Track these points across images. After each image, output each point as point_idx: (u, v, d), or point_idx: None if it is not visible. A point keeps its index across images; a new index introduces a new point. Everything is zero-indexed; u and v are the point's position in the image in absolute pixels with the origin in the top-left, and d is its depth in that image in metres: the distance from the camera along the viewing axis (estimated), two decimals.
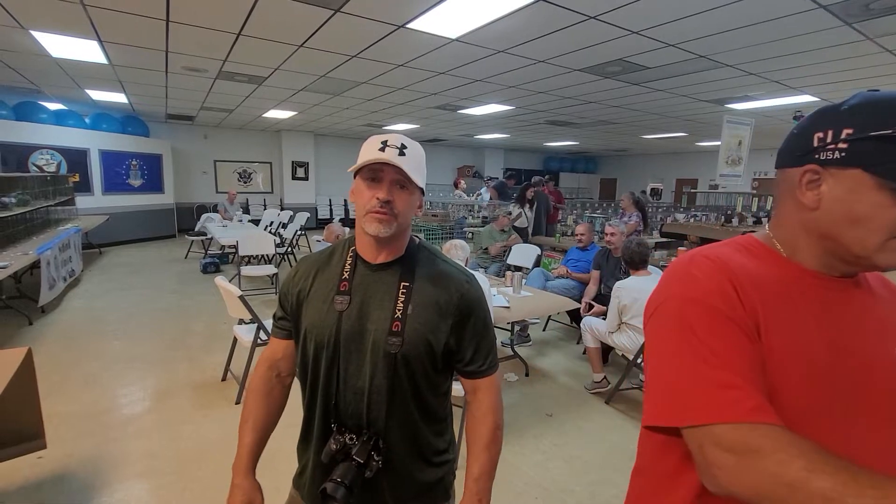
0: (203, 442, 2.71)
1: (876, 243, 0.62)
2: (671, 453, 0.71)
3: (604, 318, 3.45)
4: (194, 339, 4.37)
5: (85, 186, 8.47)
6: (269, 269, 6.06)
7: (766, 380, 0.61)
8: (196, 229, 8.61)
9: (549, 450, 2.72)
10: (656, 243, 6.70)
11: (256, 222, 8.86)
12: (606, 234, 4.22)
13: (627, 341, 3.19)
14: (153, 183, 9.97)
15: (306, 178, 12.64)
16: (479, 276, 2.95)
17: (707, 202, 10.18)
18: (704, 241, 5.77)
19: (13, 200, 5.23)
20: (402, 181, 0.96)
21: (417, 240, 1.08)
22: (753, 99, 6.16)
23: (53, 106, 8.11)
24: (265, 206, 11.62)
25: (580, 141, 12.28)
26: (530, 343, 4.42)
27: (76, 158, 8.28)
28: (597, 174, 17.85)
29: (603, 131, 10.03)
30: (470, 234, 7.44)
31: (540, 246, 5.45)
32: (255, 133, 12.19)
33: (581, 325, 3.66)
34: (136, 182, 9.57)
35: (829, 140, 0.63)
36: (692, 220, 7.69)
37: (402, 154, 0.94)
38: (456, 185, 9.97)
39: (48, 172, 7.54)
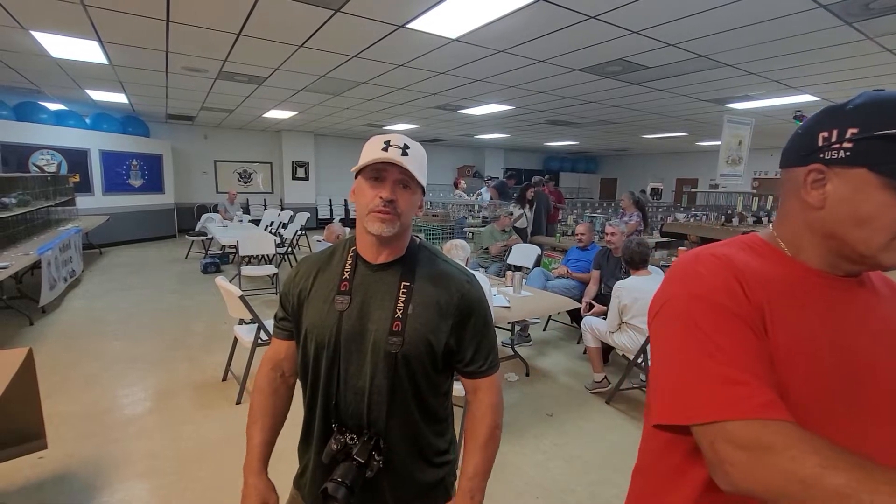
0: (204, 442, 2.71)
1: (881, 242, 0.62)
2: (675, 451, 0.71)
3: (604, 318, 3.45)
4: (195, 340, 4.37)
5: (85, 187, 8.47)
6: (270, 270, 6.06)
7: (772, 377, 0.61)
8: (196, 229, 8.62)
9: (550, 449, 2.72)
10: (656, 243, 6.70)
11: (257, 222, 8.86)
12: (607, 234, 4.22)
13: (628, 341, 3.19)
14: (153, 183, 9.97)
15: (306, 179, 12.64)
16: (480, 276, 2.95)
17: (707, 202, 10.17)
18: (705, 240, 5.76)
19: (14, 201, 5.24)
20: (405, 181, 0.96)
21: (418, 240, 1.09)
22: (754, 98, 6.16)
23: (54, 106, 8.11)
24: (265, 206, 11.61)
25: (580, 141, 12.28)
26: (531, 343, 4.42)
27: (76, 159, 8.28)
28: (597, 174, 17.85)
29: (603, 131, 10.03)
30: (470, 234, 7.45)
31: (540, 246, 5.45)
32: (256, 133, 12.19)
33: (581, 324, 3.66)
34: (137, 182, 9.57)
35: (834, 139, 0.63)
36: (692, 219, 7.69)
37: (404, 154, 0.94)
38: (456, 185, 9.98)
39: (48, 173, 7.54)
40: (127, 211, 9.32)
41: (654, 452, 0.77)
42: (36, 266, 5.47)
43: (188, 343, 4.27)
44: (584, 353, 3.93)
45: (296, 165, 12.41)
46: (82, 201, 8.18)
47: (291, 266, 7.09)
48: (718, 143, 6.39)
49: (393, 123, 9.76)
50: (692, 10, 3.25)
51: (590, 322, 3.52)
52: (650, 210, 8.09)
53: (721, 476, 0.58)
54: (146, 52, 4.75)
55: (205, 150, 11.65)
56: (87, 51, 4.73)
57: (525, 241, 5.91)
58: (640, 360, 3.09)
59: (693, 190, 11.15)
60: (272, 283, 6.24)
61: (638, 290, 3.13)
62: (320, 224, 12.22)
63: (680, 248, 5.86)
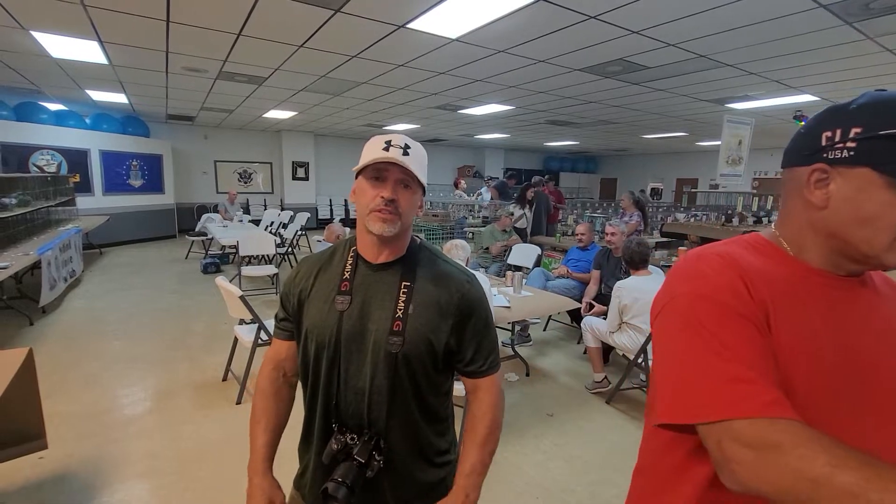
0: (204, 442, 2.71)
1: (884, 242, 0.62)
2: (677, 450, 0.71)
3: (604, 318, 3.44)
4: (195, 340, 4.37)
5: (85, 187, 8.47)
6: (270, 270, 6.06)
7: (778, 375, 0.61)
8: (196, 229, 8.62)
9: (550, 449, 2.72)
10: (657, 243, 6.70)
11: (257, 222, 8.86)
12: (607, 234, 4.21)
13: (628, 341, 3.19)
14: (153, 183, 9.97)
15: (306, 179, 12.64)
16: (480, 276, 2.95)
17: (707, 202, 10.17)
18: (705, 240, 5.76)
19: (14, 201, 5.24)
20: (406, 181, 0.96)
21: (418, 240, 1.09)
22: (754, 98, 6.16)
23: (54, 106, 8.11)
24: (265, 206, 11.61)
25: (580, 141, 12.28)
26: (531, 343, 4.42)
27: (77, 159, 8.28)
28: (597, 174, 17.85)
29: (603, 131, 10.03)
30: (470, 234, 7.45)
31: (540, 246, 5.45)
32: (256, 133, 12.19)
33: (582, 324, 3.66)
34: (137, 182, 9.57)
35: (837, 139, 0.63)
36: (692, 219, 7.69)
37: (405, 154, 0.94)
38: (456, 185, 9.97)
39: (49, 173, 7.54)
40: (127, 211, 9.32)
41: (656, 452, 0.76)
42: (36, 266, 5.47)
43: (188, 343, 4.27)
44: (585, 353, 3.93)
45: (296, 165, 12.41)
46: (82, 201, 8.18)
47: (291, 266, 7.10)
48: (718, 143, 6.39)
49: (393, 123, 9.76)
50: (692, 10, 3.25)
51: (590, 322, 3.52)
52: (650, 210, 8.09)
53: (728, 475, 0.58)
54: (146, 52, 4.75)
55: (205, 150, 11.65)
56: (87, 51, 4.73)
57: (525, 242, 5.91)
58: (640, 360, 3.09)
59: (693, 190, 11.15)
60: (272, 284, 6.24)
61: (638, 290, 3.13)
62: (320, 224, 12.23)
63: (680, 248, 5.86)
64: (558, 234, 6.84)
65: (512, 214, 6.30)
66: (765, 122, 7.74)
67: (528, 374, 3.74)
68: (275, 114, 8.93)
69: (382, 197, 0.94)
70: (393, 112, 8.22)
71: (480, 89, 6.12)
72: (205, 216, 9.06)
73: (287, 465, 1.14)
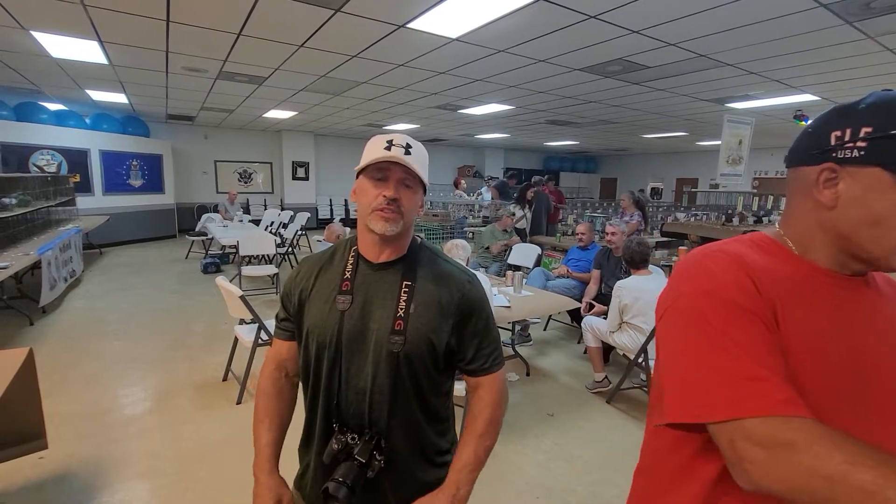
0: (204, 442, 2.71)
1: (893, 243, 0.61)
2: (682, 450, 0.70)
3: (605, 318, 3.44)
4: (195, 340, 4.37)
5: (85, 187, 8.47)
6: (270, 270, 6.06)
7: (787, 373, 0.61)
8: (196, 229, 8.62)
9: (551, 449, 2.72)
10: (657, 243, 6.70)
11: (257, 222, 8.86)
12: (607, 234, 4.21)
13: (628, 341, 3.19)
14: (154, 183, 9.98)
15: (306, 178, 12.64)
16: (480, 276, 2.95)
17: (707, 201, 10.17)
18: (705, 240, 5.74)
19: (14, 201, 5.24)
20: (408, 180, 0.97)
21: (419, 239, 1.09)
22: (754, 98, 6.15)
23: (54, 106, 8.11)
24: (266, 206, 11.61)
25: (580, 140, 12.28)
26: (531, 343, 4.42)
27: (77, 159, 8.28)
28: (597, 174, 17.85)
29: (603, 131, 10.03)
30: (471, 234, 7.44)
31: (540, 245, 5.45)
32: (256, 133, 12.19)
33: (582, 324, 3.66)
34: (137, 182, 9.57)
35: (847, 138, 0.63)
36: (693, 219, 7.69)
37: (407, 153, 0.94)
38: (456, 185, 9.97)
39: (49, 173, 7.54)
40: (127, 211, 9.32)
41: (659, 451, 0.76)
42: (36, 266, 5.47)
43: (188, 343, 4.27)
44: (585, 352, 3.92)
45: (296, 165, 12.41)
46: (82, 201, 8.18)
47: (292, 266, 7.10)
48: (718, 142, 6.39)
49: (393, 123, 9.76)
50: (692, 9, 3.25)
51: (590, 321, 3.52)
52: (650, 210, 8.09)
53: (741, 474, 0.58)
54: (146, 52, 4.75)
55: (205, 150, 11.65)
56: (87, 51, 4.73)
57: (524, 242, 5.91)
58: (640, 360, 3.08)
59: (693, 190, 11.16)
60: (272, 283, 6.23)
61: (638, 290, 3.12)
62: (320, 224, 12.23)
63: (680, 247, 5.85)
64: (558, 234, 6.84)
65: (513, 215, 6.30)
66: (765, 122, 7.73)
67: (528, 374, 3.74)
68: (275, 114, 8.93)
69: (385, 196, 0.94)
70: (393, 112, 8.22)
71: (480, 89, 6.12)
72: (205, 216, 9.06)
73: (287, 465, 1.14)
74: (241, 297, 2.97)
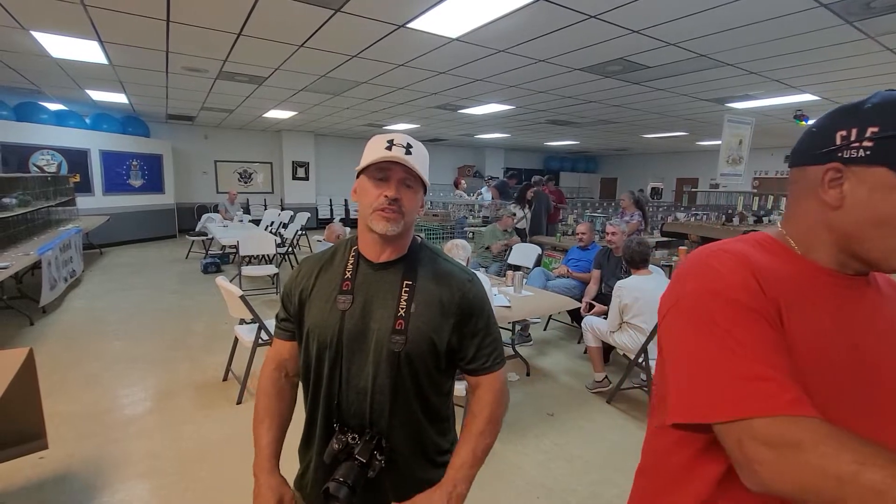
0: (205, 442, 2.71)
1: None
2: (685, 449, 0.70)
3: (605, 318, 3.44)
4: (195, 340, 4.37)
5: (85, 187, 8.47)
6: (270, 269, 6.06)
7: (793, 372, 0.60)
8: (197, 229, 8.62)
9: (551, 449, 2.72)
10: (657, 243, 6.70)
11: (257, 222, 8.86)
12: (607, 234, 4.21)
13: (629, 340, 3.19)
14: (154, 183, 9.97)
15: (307, 178, 12.65)
16: (481, 276, 2.94)
17: (708, 201, 10.17)
18: (706, 240, 5.75)
19: (14, 201, 5.24)
20: (409, 180, 0.97)
21: (419, 239, 1.09)
22: (754, 98, 6.15)
23: (54, 106, 8.11)
24: (266, 206, 11.61)
25: (580, 140, 12.28)
26: (531, 342, 4.42)
27: (77, 159, 8.28)
28: (597, 174, 17.85)
29: (603, 131, 10.03)
30: (471, 234, 7.44)
31: (541, 245, 5.45)
32: (256, 133, 12.19)
33: (582, 324, 3.66)
34: (137, 182, 9.57)
35: (853, 138, 0.62)
36: (693, 219, 7.69)
37: (408, 153, 0.95)
38: (456, 185, 9.96)
39: (49, 173, 7.54)
40: (127, 211, 9.32)
41: (661, 451, 0.76)
42: (36, 266, 5.47)
43: (189, 343, 4.27)
44: (585, 352, 3.92)
45: (296, 165, 12.41)
46: (82, 201, 8.18)
47: (292, 266, 7.10)
48: (719, 142, 6.39)
49: (393, 123, 9.76)
50: (692, 9, 3.25)
51: (590, 321, 3.52)
52: (650, 210, 8.08)
53: (749, 475, 0.57)
54: (146, 52, 4.75)
55: (205, 150, 11.65)
56: (87, 51, 4.73)
57: (524, 242, 5.91)
58: (640, 360, 3.08)
59: (693, 189, 11.16)
60: (273, 283, 6.24)
61: (639, 290, 3.12)
62: (321, 224, 12.23)
63: (680, 247, 5.85)
64: (559, 234, 6.85)
65: (514, 215, 6.30)
66: (765, 122, 7.73)
67: (528, 374, 3.74)
68: (275, 113, 8.93)
69: (386, 196, 0.94)
70: (393, 112, 8.22)
71: (480, 89, 6.12)
72: (205, 216, 9.06)
73: (287, 465, 1.14)
74: (242, 297, 2.97)
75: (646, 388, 3.26)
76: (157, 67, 5.41)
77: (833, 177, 0.64)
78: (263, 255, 6.81)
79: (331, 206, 13.20)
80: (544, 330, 4.92)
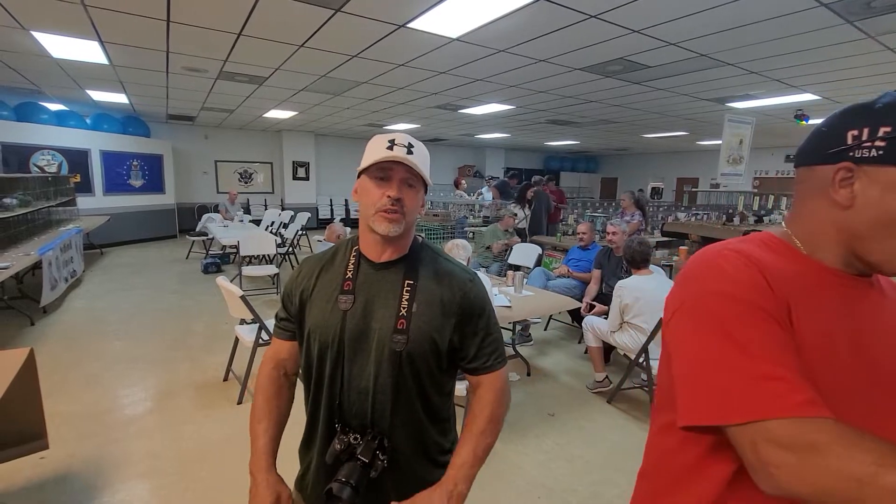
0: (205, 442, 2.71)
1: None
2: (690, 450, 0.70)
3: (605, 318, 3.44)
4: (196, 340, 4.37)
5: (86, 187, 8.47)
6: (271, 270, 6.06)
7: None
8: (197, 229, 8.62)
9: (552, 449, 2.72)
10: (657, 242, 6.69)
11: (257, 222, 8.86)
12: (608, 234, 4.21)
13: (629, 340, 3.19)
14: (154, 183, 9.98)
15: (307, 178, 12.65)
16: (481, 276, 2.94)
17: (708, 201, 10.15)
18: (706, 239, 5.76)
19: (15, 201, 5.24)
20: (411, 179, 0.97)
21: (420, 238, 1.09)
22: (754, 98, 6.15)
23: (54, 106, 8.11)
24: (266, 206, 11.61)
25: (581, 140, 12.28)
26: (532, 342, 4.42)
27: (77, 159, 8.28)
28: (597, 173, 17.85)
29: (604, 130, 10.03)
30: (471, 234, 7.44)
31: (541, 245, 5.45)
32: (256, 133, 12.20)
33: (583, 324, 3.66)
34: (137, 182, 9.58)
35: (865, 138, 0.62)
36: (693, 219, 7.68)
37: (409, 152, 0.94)
38: (457, 185, 9.96)
39: (49, 173, 7.54)
40: (128, 211, 9.32)
41: (666, 452, 0.75)
42: (37, 266, 5.48)
43: (189, 343, 4.27)
44: (586, 352, 3.92)
45: (296, 165, 12.41)
46: (83, 201, 8.19)
47: (292, 266, 7.10)
48: (719, 142, 6.39)
49: (393, 123, 9.76)
50: (693, 9, 3.25)
51: (591, 321, 3.51)
52: (650, 209, 8.08)
53: (764, 478, 0.56)
54: (147, 52, 4.75)
55: (205, 150, 11.65)
56: (87, 51, 4.73)
57: (524, 241, 5.91)
58: (641, 360, 3.08)
59: (694, 189, 11.14)
60: (273, 283, 6.24)
61: (639, 290, 3.12)
62: (321, 224, 12.23)
63: (681, 247, 5.85)
64: (559, 234, 6.84)
65: (515, 215, 6.30)
66: (766, 122, 7.73)
67: (529, 374, 3.73)
68: (275, 113, 8.93)
69: (389, 196, 0.94)
70: (393, 112, 8.22)
71: (481, 89, 6.11)
72: (205, 216, 9.06)
73: (287, 465, 1.14)
74: (242, 297, 2.97)
75: (646, 389, 3.25)
76: (157, 67, 5.41)
77: (844, 176, 0.64)
78: (264, 256, 6.81)
79: (331, 206, 13.20)
80: (545, 330, 4.91)
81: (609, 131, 10.12)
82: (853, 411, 0.62)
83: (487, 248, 5.59)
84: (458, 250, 3.05)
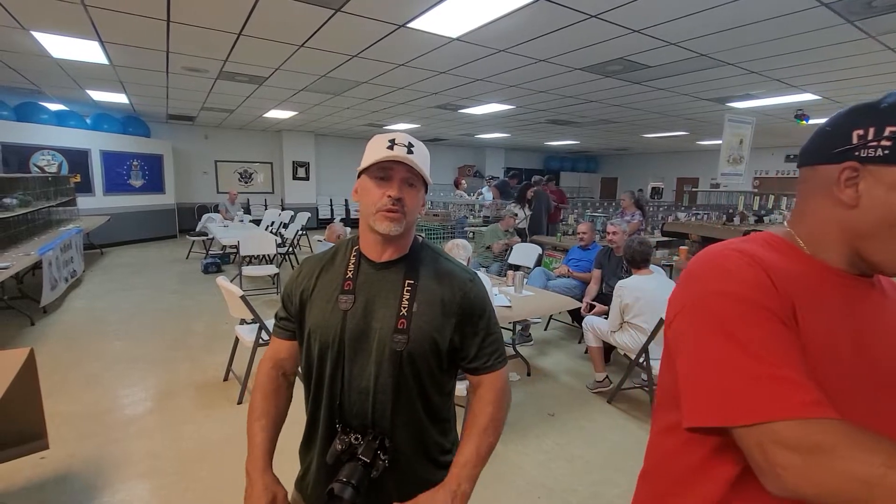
0: (205, 442, 2.71)
1: None
2: (694, 451, 0.69)
3: (605, 318, 3.44)
4: (196, 340, 4.37)
5: (86, 187, 8.47)
6: (271, 269, 6.07)
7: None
8: (197, 229, 8.62)
9: (552, 449, 2.72)
10: (657, 242, 6.68)
11: (257, 222, 8.87)
12: (608, 233, 4.21)
13: (629, 340, 3.19)
14: (154, 183, 9.98)
15: (307, 178, 12.65)
16: (482, 276, 2.95)
17: (708, 201, 10.14)
18: (706, 239, 5.75)
19: (15, 201, 5.24)
20: (412, 179, 0.97)
21: (420, 238, 1.09)
22: (755, 97, 6.15)
23: (54, 106, 8.11)
24: (266, 206, 11.62)
25: (581, 140, 12.27)
26: (532, 342, 4.41)
27: (77, 159, 8.28)
28: (597, 173, 17.85)
29: (604, 130, 10.03)
30: (471, 234, 7.44)
31: (541, 245, 5.45)
32: (256, 133, 12.20)
33: (583, 324, 3.66)
34: (137, 182, 9.58)
35: (871, 137, 0.62)
36: (693, 218, 7.68)
37: (409, 152, 0.95)
38: (457, 185, 9.96)
39: (49, 173, 7.54)
40: (128, 211, 9.33)
41: (668, 453, 0.75)
42: (37, 266, 5.48)
43: (189, 343, 4.27)
44: (586, 352, 3.92)
45: (296, 165, 12.41)
46: (83, 201, 8.19)
47: (292, 266, 7.10)
48: (719, 142, 6.39)
49: (393, 123, 9.76)
50: (693, 8, 3.24)
51: (591, 321, 3.51)
52: (649, 209, 8.07)
53: (772, 480, 0.56)
54: (147, 52, 4.75)
55: (205, 150, 11.65)
56: (87, 51, 4.73)
57: (524, 241, 5.91)
58: (641, 360, 3.08)
59: (694, 189, 11.13)
60: (273, 283, 6.24)
61: (640, 290, 3.12)
62: (321, 224, 12.22)
63: (681, 247, 5.85)
64: (559, 234, 6.84)
65: (516, 216, 6.30)
66: (766, 121, 7.73)
67: (529, 374, 3.73)
68: (275, 113, 8.93)
69: (390, 196, 0.94)
70: (393, 112, 8.21)
71: (481, 89, 6.11)
72: (205, 216, 9.06)
73: (287, 465, 1.14)
74: (242, 297, 2.97)
75: (647, 389, 3.25)
76: (157, 67, 5.41)
77: (849, 175, 0.64)
78: (264, 255, 6.81)
79: (331, 206, 13.20)
80: (545, 330, 4.91)
81: (609, 131, 10.12)
82: (855, 411, 0.62)
83: (488, 247, 5.59)
84: (459, 250, 3.05)
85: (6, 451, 1.87)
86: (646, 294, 3.09)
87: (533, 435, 2.86)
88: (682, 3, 3.17)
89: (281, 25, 3.89)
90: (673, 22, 3.50)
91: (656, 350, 2.98)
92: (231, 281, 3.26)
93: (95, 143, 8.56)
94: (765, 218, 7.06)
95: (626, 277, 3.36)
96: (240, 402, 3.13)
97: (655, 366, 2.99)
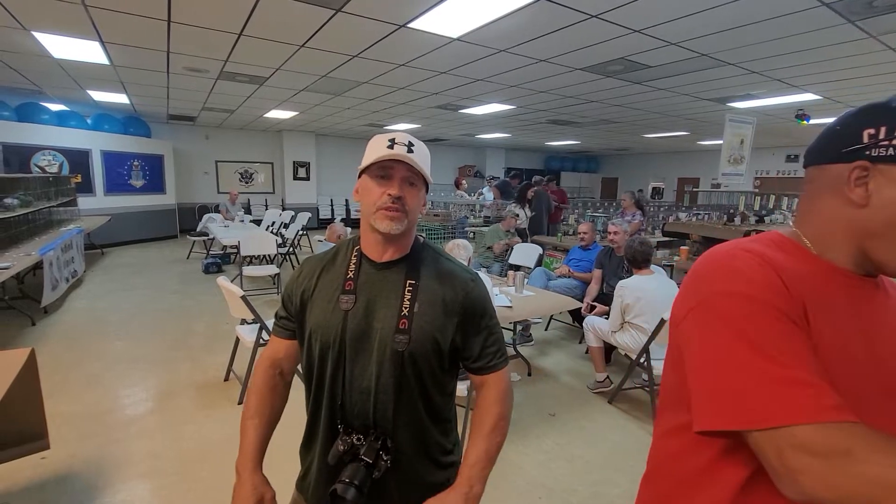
0: (206, 442, 2.71)
1: None
2: (701, 454, 0.68)
3: (606, 318, 3.44)
4: (196, 340, 4.37)
5: (87, 187, 8.48)
6: (271, 270, 6.07)
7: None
8: (198, 230, 8.63)
9: (552, 449, 2.72)
10: (658, 242, 6.68)
11: (258, 222, 8.87)
12: (609, 234, 4.21)
13: (630, 341, 3.18)
14: (155, 183, 9.98)
15: (308, 178, 12.65)
16: (483, 276, 2.94)
17: (709, 201, 10.13)
18: (707, 240, 5.75)
19: (16, 201, 5.24)
20: (412, 178, 0.97)
21: (422, 238, 1.09)
22: (756, 97, 6.14)
23: (55, 107, 8.12)
24: (267, 206, 11.63)
25: (581, 140, 12.27)
26: (532, 342, 4.41)
27: (78, 159, 8.29)
28: (598, 173, 17.85)
29: (604, 130, 10.02)
30: (472, 234, 7.44)
31: (542, 245, 5.45)
32: (257, 133, 12.20)
33: (584, 324, 3.66)
34: (138, 183, 9.58)
35: (882, 136, 0.62)
36: (694, 219, 7.67)
37: (410, 151, 0.95)
38: (457, 185, 9.96)
39: (50, 173, 7.54)
40: (128, 211, 9.33)
41: (673, 456, 0.74)
42: (38, 266, 5.48)
43: (190, 343, 4.27)
44: (587, 352, 3.91)
45: (297, 165, 12.41)
46: (84, 202, 8.19)
47: (293, 266, 7.10)
48: (720, 142, 6.38)
49: (394, 123, 9.76)
50: (693, 8, 3.24)
51: (592, 321, 3.51)
52: (649, 209, 8.06)
53: (790, 484, 0.55)
54: (147, 52, 4.75)
55: (206, 150, 11.66)
56: (88, 51, 4.73)
57: (524, 241, 5.91)
58: (642, 360, 3.08)
59: (695, 189, 11.13)
60: (274, 283, 6.24)
61: (640, 290, 3.12)
62: (321, 224, 12.22)
63: (682, 247, 5.85)
64: (560, 234, 6.84)
65: (517, 216, 6.30)
66: (767, 121, 7.72)
67: (529, 374, 3.73)
68: (276, 114, 8.93)
69: (390, 194, 0.94)
70: (394, 112, 8.22)
71: (481, 89, 6.11)
72: (206, 216, 9.07)
73: (287, 465, 1.13)
74: (243, 298, 2.97)
75: (647, 389, 3.25)
76: (158, 68, 5.41)
77: (859, 175, 0.64)
78: (264, 256, 6.81)
79: (332, 206, 13.20)
80: (545, 330, 4.91)
81: (610, 131, 10.11)
82: (864, 412, 0.61)
83: (488, 248, 5.59)
84: (459, 250, 3.05)
85: (7, 451, 1.87)
86: (647, 294, 3.09)
87: (533, 435, 2.86)
88: (682, 3, 3.17)
89: (281, 25, 3.89)
90: (673, 22, 3.50)
91: (657, 350, 2.98)
92: (232, 281, 3.26)
93: (96, 143, 8.57)
94: (765, 218, 7.05)
95: (627, 277, 3.36)
96: (240, 403, 3.13)
97: (656, 366, 2.98)
